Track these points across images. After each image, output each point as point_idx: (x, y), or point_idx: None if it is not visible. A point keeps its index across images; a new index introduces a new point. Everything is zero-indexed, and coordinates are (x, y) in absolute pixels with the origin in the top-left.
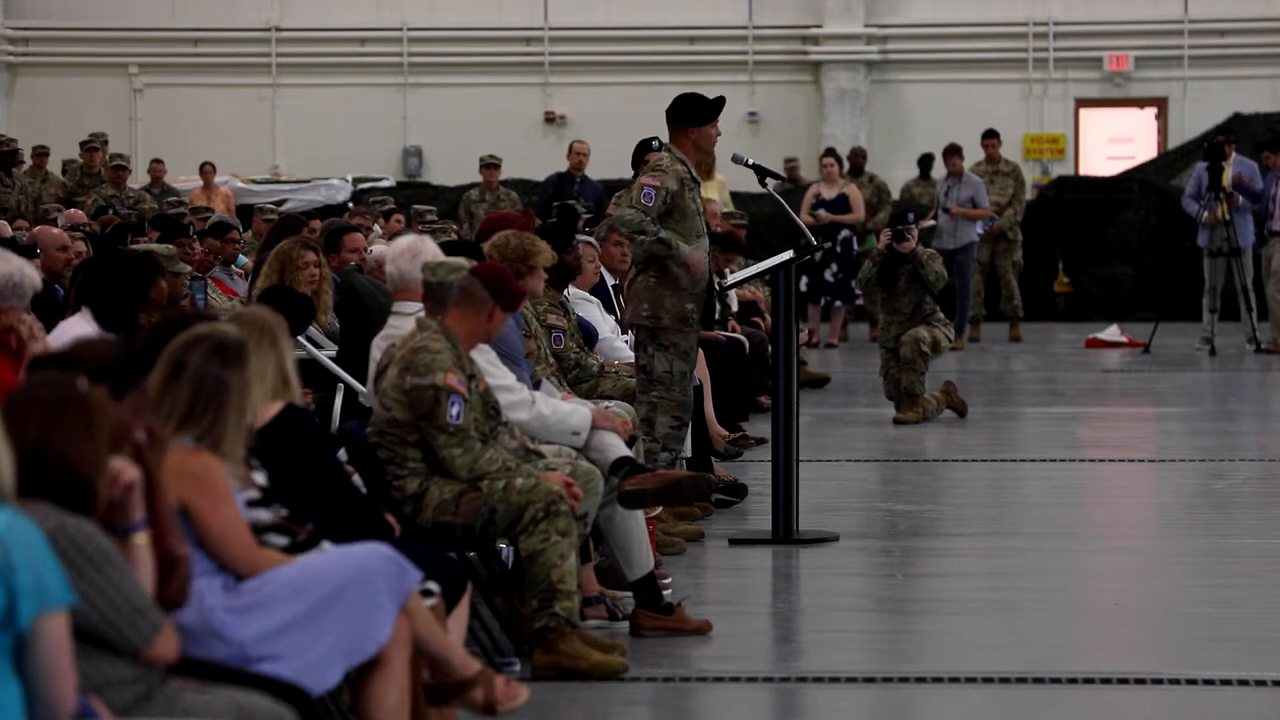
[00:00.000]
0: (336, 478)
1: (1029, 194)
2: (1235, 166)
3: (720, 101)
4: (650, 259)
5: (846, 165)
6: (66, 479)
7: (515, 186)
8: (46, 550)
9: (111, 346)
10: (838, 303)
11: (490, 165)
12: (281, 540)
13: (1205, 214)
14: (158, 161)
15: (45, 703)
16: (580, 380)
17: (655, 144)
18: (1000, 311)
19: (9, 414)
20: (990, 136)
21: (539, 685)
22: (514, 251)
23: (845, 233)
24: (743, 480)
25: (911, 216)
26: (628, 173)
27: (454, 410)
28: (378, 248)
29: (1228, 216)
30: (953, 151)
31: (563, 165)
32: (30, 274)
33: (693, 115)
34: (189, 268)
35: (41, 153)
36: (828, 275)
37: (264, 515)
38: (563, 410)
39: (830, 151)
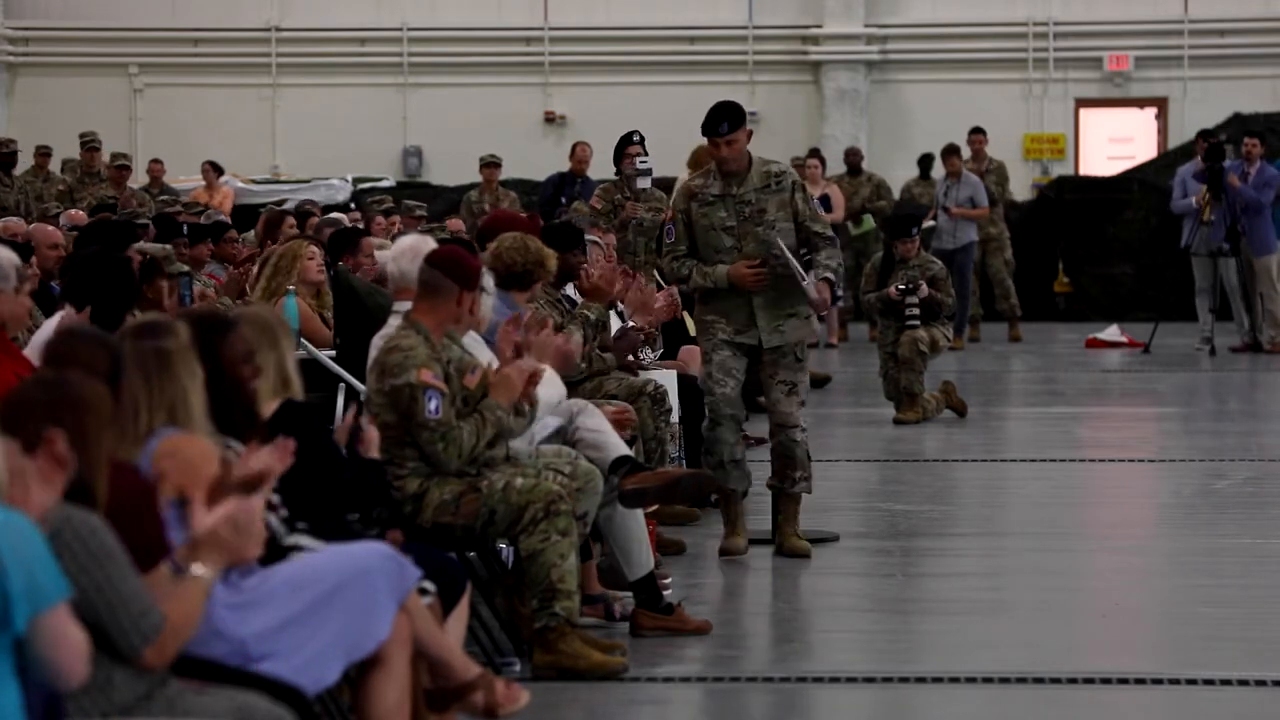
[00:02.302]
0: (335, 465)
1: (1028, 194)
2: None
3: (713, 117)
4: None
5: (844, 166)
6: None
7: (515, 186)
8: (41, 545)
9: (102, 355)
10: None
11: (490, 165)
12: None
13: (1205, 212)
14: (156, 162)
15: (53, 685)
16: (581, 380)
17: (636, 137)
18: (998, 311)
19: (7, 414)
20: (976, 132)
21: (539, 685)
22: (535, 255)
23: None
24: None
25: (915, 230)
26: (613, 171)
27: (431, 405)
28: (382, 253)
29: (1211, 217)
30: (951, 151)
31: (563, 165)
32: (6, 254)
33: (705, 125)
34: (185, 268)
35: (44, 152)
36: None
37: None
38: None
39: (814, 152)
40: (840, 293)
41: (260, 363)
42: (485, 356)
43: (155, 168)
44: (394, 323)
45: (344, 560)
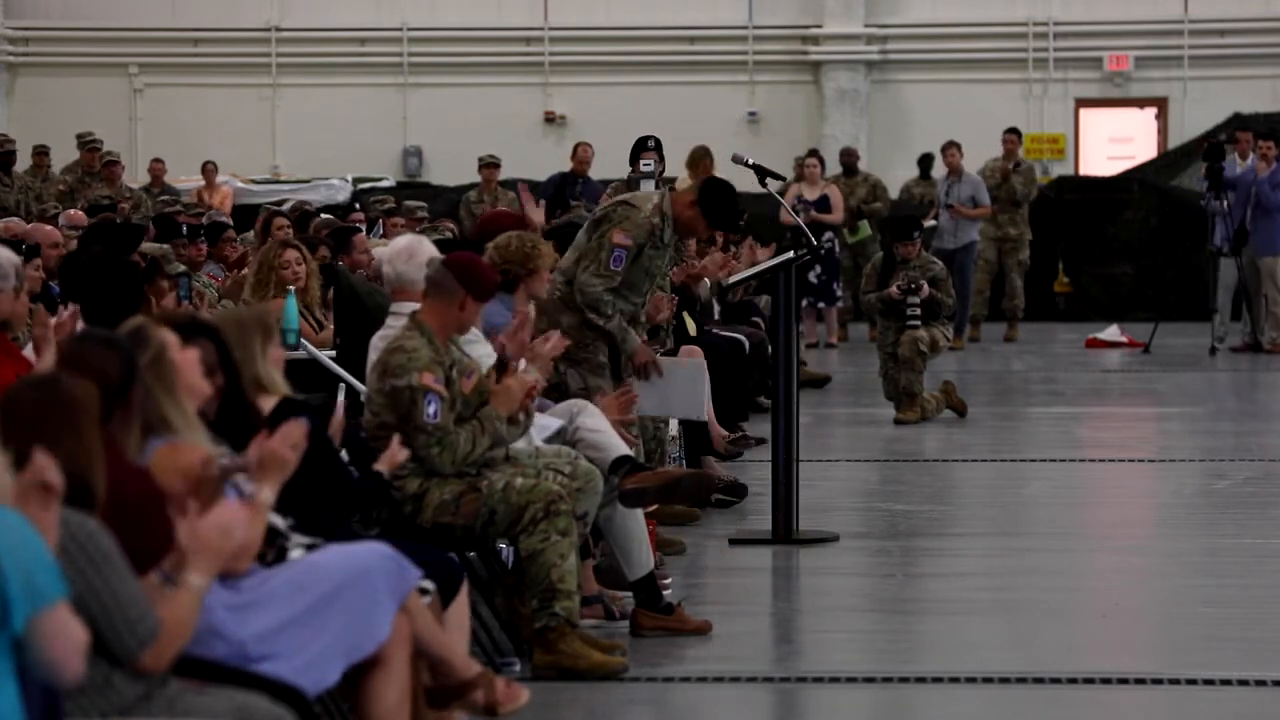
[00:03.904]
0: (336, 467)
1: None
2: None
3: (735, 212)
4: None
5: (840, 166)
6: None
7: (515, 187)
8: (38, 544)
9: (114, 358)
10: (821, 304)
11: (489, 165)
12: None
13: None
14: (158, 161)
15: (50, 682)
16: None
17: (651, 143)
18: (1001, 310)
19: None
20: (1011, 133)
21: (539, 685)
22: (515, 254)
23: (829, 234)
24: (743, 480)
25: (916, 233)
26: (627, 172)
27: (430, 409)
28: (378, 251)
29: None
30: (951, 146)
31: (563, 165)
32: (6, 254)
33: (713, 210)
34: (183, 268)
35: (41, 152)
36: (811, 277)
37: None
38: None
39: (813, 152)
40: (840, 293)
41: (239, 363)
42: (480, 352)
43: (156, 167)
44: (391, 323)
45: (344, 561)
